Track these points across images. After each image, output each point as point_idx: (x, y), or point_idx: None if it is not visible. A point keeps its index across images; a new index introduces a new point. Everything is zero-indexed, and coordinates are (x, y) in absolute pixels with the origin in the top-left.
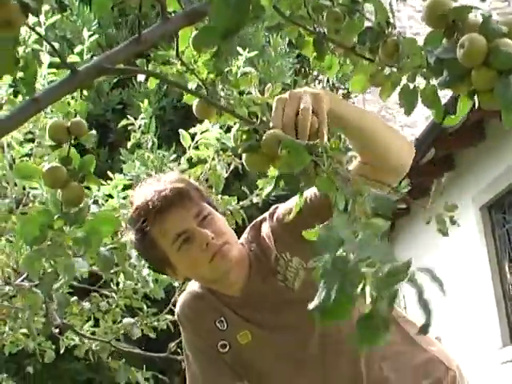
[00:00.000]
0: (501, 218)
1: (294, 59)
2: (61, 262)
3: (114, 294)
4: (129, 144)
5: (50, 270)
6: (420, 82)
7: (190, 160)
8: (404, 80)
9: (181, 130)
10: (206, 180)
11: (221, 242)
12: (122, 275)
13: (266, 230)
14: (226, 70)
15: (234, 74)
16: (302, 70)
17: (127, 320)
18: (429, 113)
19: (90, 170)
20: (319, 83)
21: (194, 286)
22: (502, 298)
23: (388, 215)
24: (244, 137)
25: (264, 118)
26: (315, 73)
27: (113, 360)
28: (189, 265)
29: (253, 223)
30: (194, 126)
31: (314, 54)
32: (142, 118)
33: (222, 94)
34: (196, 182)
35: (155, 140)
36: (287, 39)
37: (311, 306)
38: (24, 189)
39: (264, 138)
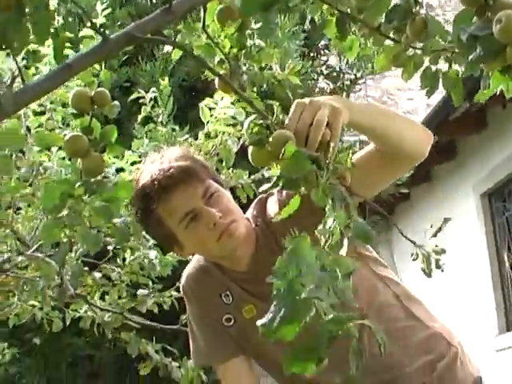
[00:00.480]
0: (501, 206)
1: (300, 41)
2: (79, 232)
3: (119, 270)
4: (139, 118)
5: (65, 240)
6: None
7: (207, 135)
8: (426, 62)
9: (201, 104)
10: (217, 154)
11: (228, 221)
12: (128, 251)
13: (273, 204)
14: (249, 45)
15: (256, 49)
16: (309, 54)
17: (141, 291)
18: (431, 100)
19: (112, 140)
20: (326, 68)
21: (199, 260)
22: (500, 287)
23: (369, 242)
24: (255, 129)
25: (280, 116)
26: (323, 58)
27: (124, 332)
28: (196, 243)
29: (258, 198)
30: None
31: (336, 33)
32: (152, 92)
33: (244, 68)
34: (202, 158)
35: (165, 113)
36: (294, 21)
37: (259, 322)
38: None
39: (273, 135)
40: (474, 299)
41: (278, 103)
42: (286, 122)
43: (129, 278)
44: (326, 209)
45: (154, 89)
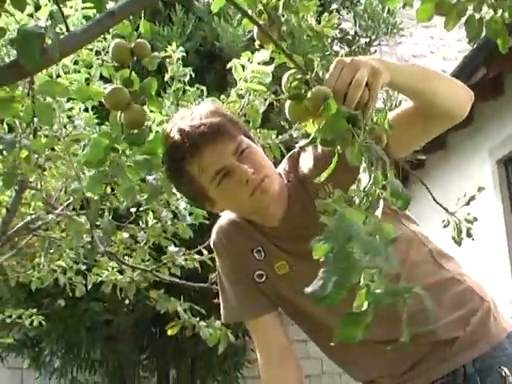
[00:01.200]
0: None
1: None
2: (121, 185)
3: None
4: (166, 76)
5: (96, 198)
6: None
7: (239, 94)
8: (470, 10)
9: (234, 61)
10: (244, 115)
11: (261, 176)
12: (151, 213)
13: (306, 159)
14: None
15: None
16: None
17: (172, 249)
18: (447, 66)
19: (152, 93)
20: (340, 32)
21: (230, 215)
22: None
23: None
24: (294, 84)
25: (320, 72)
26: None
27: (153, 290)
28: (228, 199)
29: (290, 153)
30: (216, 71)
31: None
32: (180, 51)
33: (283, 19)
34: (232, 114)
35: (192, 73)
36: None
37: (308, 289)
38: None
39: (312, 91)
40: (489, 266)
41: (318, 58)
42: (326, 78)
43: (152, 241)
44: (361, 168)
45: (181, 48)
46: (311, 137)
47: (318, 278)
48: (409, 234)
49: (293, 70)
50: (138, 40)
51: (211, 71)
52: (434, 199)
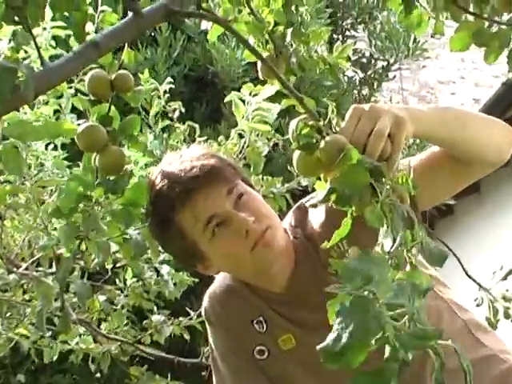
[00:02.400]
0: None
1: (325, 20)
2: (93, 240)
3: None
4: (151, 112)
5: (68, 255)
6: None
7: (240, 134)
8: None
9: (233, 94)
10: (244, 158)
11: (263, 227)
12: (129, 270)
13: (317, 213)
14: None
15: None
16: (334, 36)
17: (157, 317)
18: (478, 94)
19: (134, 133)
20: (353, 53)
21: (225, 278)
22: None
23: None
24: (304, 131)
25: (333, 120)
26: (349, 40)
27: (134, 366)
28: (225, 255)
29: (297, 205)
30: (209, 100)
31: (401, 8)
32: (168, 83)
33: (291, 49)
34: (228, 157)
35: (183, 109)
36: None
37: (319, 346)
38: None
39: (325, 140)
40: None
41: (333, 102)
42: (341, 128)
43: (131, 303)
44: (382, 230)
45: (169, 79)
46: (324, 193)
47: (333, 330)
48: (440, 301)
49: (303, 116)
50: (120, 71)
51: (203, 101)
52: (466, 273)
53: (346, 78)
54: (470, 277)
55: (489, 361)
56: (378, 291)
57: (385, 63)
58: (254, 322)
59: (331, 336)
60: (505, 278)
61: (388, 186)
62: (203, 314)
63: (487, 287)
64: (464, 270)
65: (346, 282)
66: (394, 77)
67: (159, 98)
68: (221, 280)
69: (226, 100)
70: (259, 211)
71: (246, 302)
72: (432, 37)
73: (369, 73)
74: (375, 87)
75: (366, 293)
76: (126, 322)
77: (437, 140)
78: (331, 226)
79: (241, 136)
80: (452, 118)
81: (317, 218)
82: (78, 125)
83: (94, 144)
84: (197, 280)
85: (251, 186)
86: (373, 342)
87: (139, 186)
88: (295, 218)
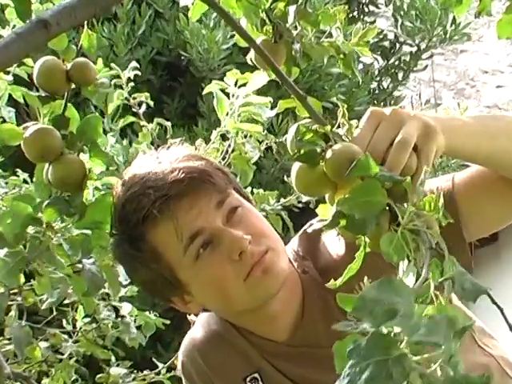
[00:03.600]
0: None
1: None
2: (44, 275)
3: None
4: (109, 107)
5: (1, 290)
6: None
7: (223, 136)
8: None
9: (214, 84)
10: (228, 165)
11: (262, 248)
12: (80, 309)
13: (333, 240)
14: None
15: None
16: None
17: (116, 369)
18: None
19: (96, 137)
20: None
21: (209, 321)
22: None
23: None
24: (307, 138)
25: (344, 125)
26: (368, 18)
27: None
28: (211, 285)
29: (305, 228)
30: (183, 93)
31: None
32: (133, 68)
33: (294, 33)
34: (213, 160)
35: (150, 102)
36: None
37: None
38: None
39: (333, 149)
40: None
41: (344, 97)
42: (355, 134)
43: (82, 352)
44: (403, 264)
45: (134, 63)
46: (332, 215)
47: (342, 375)
48: (485, 361)
49: (305, 120)
50: (78, 59)
51: (175, 94)
52: (510, 327)
53: (361, 65)
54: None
55: None
56: (404, 328)
57: (413, 49)
58: (248, 379)
59: (341, 382)
60: None
61: (412, 209)
62: (180, 368)
63: None
64: (508, 322)
65: (363, 317)
66: (426, 67)
67: (121, 87)
68: (203, 323)
69: (204, 92)
70: (258, 229)
71: (238, 353)
72: (476, 17)
73: (392, 60)
74: (400, 79)
75: (385, 330)
76: (74, 377)
77: (478, 159)
78: (352, 255)
79: (224, 138)
80: (499, 129)
81: (334, 247)
82: (25, 128)
83: (45, 152)
84: (166, 322)
85: (247, 198)
86: None
87: (102, 204)
88: (303, 247)
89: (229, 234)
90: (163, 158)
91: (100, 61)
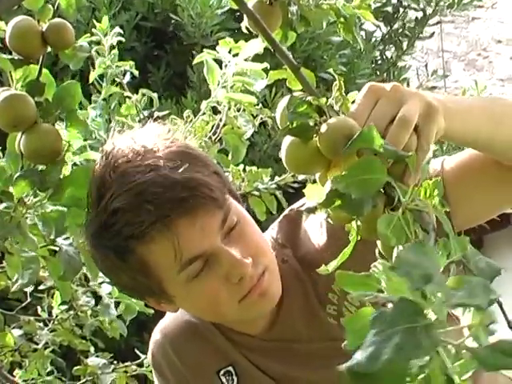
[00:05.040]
0: None
1: None
2: (14, 255)
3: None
4: (91, 76)
5: None
6: None
7: (214, 109)
8: None
9: (205, 53)
10: (219, 141)
11: (260, 271)
12: (57, 295)
13: (314, 226)
14: None
15: None
16: None
17: (95, 360)
18: None
19: (74, 106)
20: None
21: (182, 311)
22: None
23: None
24: (299, 110)
25: (340, 99)
26: None
27: None
28: (201, 302)
29: (286, 213)
30: (170, 62)
31: None
32: (117, 34)
33: None
34: (205, 154)
35: (135, 72)
36: None
37: (343, 365)
38: None
39: (328, 123)
40: None
41: (344, 76)
42: (352, 109)
43: (59, 341)
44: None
45: (117, 29)
46: (326, 193)
47: (365, 343)
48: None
49: (298, 93)
50: (55, 20)
51: (162, 62)
52: (509, 324)
53: (363, 33)
54: None
55: None
56: (442, 291)
57: (419, 14)
58: (221, 373)
59: (364, 352)
60: None
61: (412, 193)
62: (150, 360)
63: None
64: (507, 319)
65: (404, 277)
66: (433, 34)
67: (103, 55)
68: (175, 314)
69: (195, 61)
70: (256, 246)
71: (211, 345)
72: None
73: (395, 27)
74: (404, 48)
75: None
76: (49, 368)
77: (477, 145)
78: (335, 243)
79: (215, 111)
80: (501, 113)
81: (315, 235)
82: None
83: (18, 121)
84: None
85: (237, 198)
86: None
87: (80, 179)
88: (283, 233)
89: (230, 256)
90: (151, 154)
91: (106, 18)
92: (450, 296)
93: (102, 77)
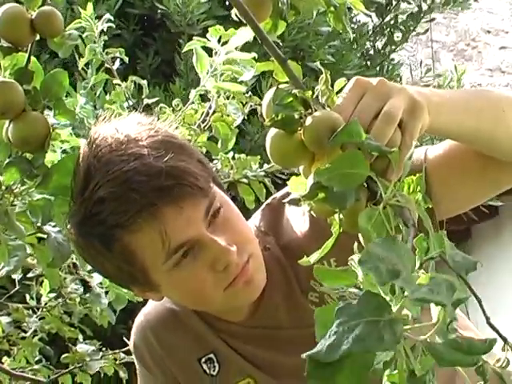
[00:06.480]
0: None
1: None
2: (3, 241)
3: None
4: (80, 62)
5: None
6: None
7: (203, 96)
8: None
9: (195, 41)
10: (208, 129)
11: (245, 258)
12: (46, 283)
13: (297, 215)
14: None
15: None
16: None
17: (84, 346)
18: None
19: (62, 94)
20: None
21: (164, 299)
22: None
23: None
24: (284, 102)
25: (326, 92)
26: None
27: None
28: (186, 289)
29: (268, 202)
30: (158, 50)
31: None
32: (107, 20)
33: None
34: (190, 143)
35: (125, 58)
36: None
37: (305, 354)
38: None
39: (313, 116)
40: None
41: (331, 67)
42: (337, 102)
43: (47, 329)
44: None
45: (108, 15)
46: (309, 186)
47: (329, 332)
48: None
49: (284, 85)
50: (44, 8)
51: (149, 50)
52: (488, 320)
53: (355, 25)
54: (492, 327)
55: None
56: (407, 286)
57: (414, 9)
58: (203, 360)
59: (326, 341)
60: None
61: (394, 187)
62: (132, 349)
63: None
64: (485, 315)
65: (370, 271)
66: (427, 30)
67: (94, 42)
68: (156, 302)
69: (184, 49)
70: (241, 233)
71: (193, 332)
72: None
73: (387, 19)
74: (396, 40)
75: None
76: (38, 357)
77: (460, 138)
78: (316, 233)
79: (204, 99)
80: (485, 106)
81: (297, 223)
82: None
83: (6, 108)
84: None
85: (221, 186)
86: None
87: (67, 168)
88: (266, 221)
89: (215, 244)
90: (135, 144)
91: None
92: (413, 292)
93: (87, 64)
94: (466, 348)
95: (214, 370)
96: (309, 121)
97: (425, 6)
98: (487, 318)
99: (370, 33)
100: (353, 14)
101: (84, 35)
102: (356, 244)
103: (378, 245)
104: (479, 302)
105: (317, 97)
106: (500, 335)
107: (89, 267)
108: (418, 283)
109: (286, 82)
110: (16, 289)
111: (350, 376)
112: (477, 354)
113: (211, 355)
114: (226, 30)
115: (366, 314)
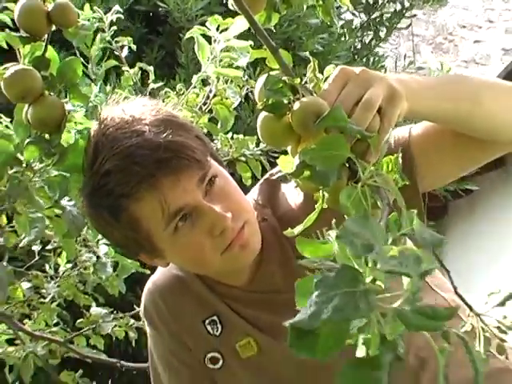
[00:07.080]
0: None
1: None
2: (22, 214)
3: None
4: (92, 50)
5: None
6: None
7: (204, 81)
8: None
9: (196, 30)
10: (210, 111)
11: (240, 224)
12: (63, 254)
13: (292, 189)
14: None
15: None
16: None
17: (97, 309)
18: (509, 43)
19: (76, 79)
20: None
21: (171, 267)
22: None
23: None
24: (274, 88)
25: (314, 77)
26: None
27: (65, 371)
28: (187, 254)
29: (266, 177)
30: (162, 44)
31: None
32: (116, 12)
33: None
34: (189, 121)
35: (133, 46)
36: None
37: (288, 322)
38: None
39: (300, 101)
40: None
41: (320, 57)
42: (322, 90)
43: (64, 296)
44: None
45: (117, 7)
46: (296, 165)
47: (308, 304)
48: (432, 296)
49: (275, 72)
50: (59, 1)
51: (153, 44)
52: (455, 290)
53: (342, 21)
54: (459, 295)
55: (501, 373)
56: (379, 259)
57: (398, 7)
58: (207, 322)
59: (306, 310)
60: (503, 304)
61: (372, 168)
62: (142, 312)
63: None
64: (453, 284)
65: (346, 244)
66: (409, 25)
67: (103, 31)
68: (164, 269)
69: (186, 37)
70: (236, 202)
71: (197, 296)
72: None
73: (374, 16)
74: (382, 36)
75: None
76: (56, 320)
77: (438, 120)
78: (310, 204)
79: (205, 84)
80: (460, 91)
81: (292, 196)
82: (6, 68)
83: (26, 93)
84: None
85: (221, 162)
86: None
87: (82, 148)
88: (263, 195)
89: (212, 211)
90: (139, 122)
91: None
92: (384, 264)
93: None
94: (431, 314)
95: (217, 331)
96: (296, 105)
97: (407, 4)
98: (455, 288)
99: (358, 28)
100: (341, 11)
101: (96, 25)
102: (334, 220)
103: (354, 221)
104: (448, 272)
105: (305, 83)
106: (465, 303)
107: (96, 239)
108: (389, 256)
109: (277, 69)
110: (35, 259)
111: (329, 340)
112: (441, 319)
113: (214, 317)
114: (224, 19)
115: (342, 285)
